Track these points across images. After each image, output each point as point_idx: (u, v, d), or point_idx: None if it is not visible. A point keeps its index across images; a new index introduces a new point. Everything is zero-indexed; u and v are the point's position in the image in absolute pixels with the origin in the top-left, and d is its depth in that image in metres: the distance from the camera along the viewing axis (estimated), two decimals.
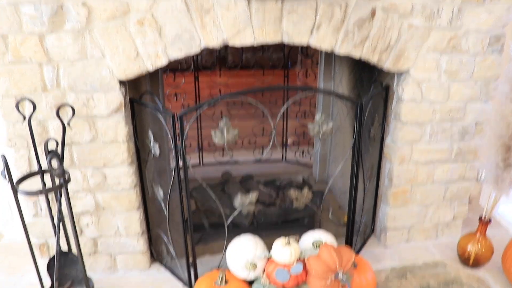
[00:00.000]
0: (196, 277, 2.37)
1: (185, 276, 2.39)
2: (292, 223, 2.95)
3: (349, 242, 2.48)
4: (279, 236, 2.92)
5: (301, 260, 2.12)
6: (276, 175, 3.24)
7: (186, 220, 2.23)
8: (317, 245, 2.20)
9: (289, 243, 2.10)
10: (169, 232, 2.37)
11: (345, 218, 2.92)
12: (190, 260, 2.33)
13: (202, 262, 2.58)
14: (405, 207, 2.65)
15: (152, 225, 2.57)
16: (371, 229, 2.85)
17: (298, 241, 2.14)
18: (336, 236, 2.46)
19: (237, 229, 2.87)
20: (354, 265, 2.25)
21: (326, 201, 3.24)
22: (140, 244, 2.48)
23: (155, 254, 2.62)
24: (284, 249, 2.07)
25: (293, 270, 2.05)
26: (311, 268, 2.04)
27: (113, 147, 2.25)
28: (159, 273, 2.54)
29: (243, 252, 2.14)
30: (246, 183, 2.95)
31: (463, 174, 2.63)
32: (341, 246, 2.14)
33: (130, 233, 2.44)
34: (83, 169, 2.27)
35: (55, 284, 2.16)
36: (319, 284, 2.04)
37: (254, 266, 2.14)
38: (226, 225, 2.28)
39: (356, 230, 2.55)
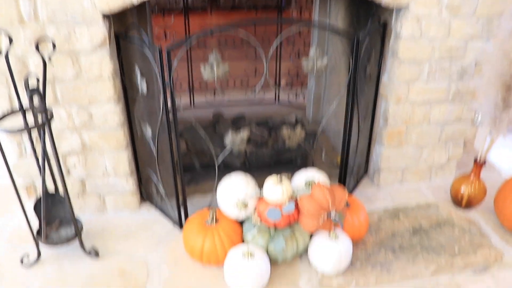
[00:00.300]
0: (186, 217, 2.34)
1: (175, 216, 2.36)
2: (284, 163, 2.90)
3: (342, 182, 2.44)
4: (271, 174, 2.91)
5: (293, 199, 2.08)
6: (268, 116, 3.16)
7: (176, 161, 2.17)
8: (309, 184, 2.15)
9: (281, 181, 2.04)
10: (158, 173, 2.32)
11: (338, 159, 2.87)
12: (180, 199, 2.29)
13: (193, 202, 2.55)
14: (400, 148, 2.60)
15: (141, 165, 2.50)
16: (364, 170, 2.81)
17: (290, 179, 2.08)
18: (329, 177, 2.42)
19: (228, 169, 2.82)
20: (347, 205, 2.21)
21: (319, 142, 3.19)
22: (129, 184, 2.42)
23: (145, 195, 2.58)
24: (276, 188, 2.02)
25: (285, 209, 2.01)
26: (303, 207, 2.01)
27: (98, 84, 2.14)
28: (150, 213, 2.51)
29: (234, 190, 2.09)
30: (237, 124, 2.87)
31: (459, 115, 2.56)
32: (334, 185, 2.10)
33: (119, 173, 2.38)
34: (67, 107, 2.17)
35: (43, 224, 2.12)
36: (311, 223, 2.02)
37: (245, 205, 2.10)
38: (216, 165, 2.22)
39: (350, 170, 2.50)
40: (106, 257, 2.22)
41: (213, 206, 2.31)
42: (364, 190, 2.70)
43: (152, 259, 2.21)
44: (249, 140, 2.85)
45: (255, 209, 2.13)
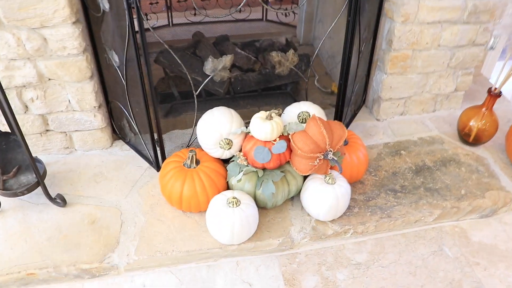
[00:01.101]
0: (163, 156, 2.03)
1: (151, 155, 2.06)
2: (273, 91, 2.56)
3: (339, 114, 2.12)
4: (259, 106, 2.57)
5: (284, 136, 1.78)
6: (255, 36, 2.76)
7: (147, 91, 1.82)
8: (303, 118, 1.84)
9: (270, 117, 1.73)
10: (129, 106, 1.97)
11: (333, 86, 2.55)
12: (156, 136, 1.97)
13: (172, 138, 2.23)
14: (404, 75, 2.26)
15: (112, 98, 2.15)
16: (362, 99, 2.48)
17: (280, 115, 1.76)
18: (322, 105, 2.10)
19: (211, 98, 2.49)
20: (345, 143, 1.92)
21: (312, 67, 2.83)
22: (97, 119, 2.08)
23: (118, 131, 2.25)
24: (265, 124, 1.71)
25: (274, 149, 1.70)
26: (295, 146, 1.70)
27: (50, 1, 1.73)
28: (122, 151, 2.19)
29: (215, 126, 1.76)
30: (220, 46, 2.48)
31: (473, 38, 2.20)
32: (332, 121, 1.79)
33: (85, 107, 2.03)
34: (15, 30, 1.76)
35: None
36: (305, 165, 1.72)
37: (229, 143, 1.79)
38: (195, 94, 1.88)
39: (347, 100, 2.18)
40: (74, 204, 1.92)
41: (194, 145, 2.00)
42: (362, 122, 2.39)
43: (126, 205, 1.92)
44: (233, 65, 2.50)
45: (240, 148, 1.83)
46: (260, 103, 2.61)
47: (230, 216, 1.65)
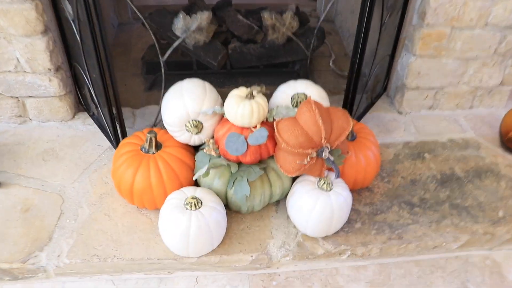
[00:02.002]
0: (124, 135, 1.61)
1: (111, 132, 1.64)
2: (278, 68, 2.11)
3: (349, 100, 1.65)
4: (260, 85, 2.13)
5: (269, 123, 1.34)
6: (264, 4, 2.29)
7: (102, 54, 1.39)
8: (297, 102, 1.38)
9: (251, 95, 1.29)
10: (86, 69, 1.56)
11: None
12: (114, 111, 1.55)
13: (145, 115, 1.81)
14: (437, 59, 1.74)
15: (74, 59, 1.74)
16: (383, 86, 1.98)
17: (265, 94, 1.30)
18: (336, 91, 1.64)
19: (203, 72, 2.05)
20: (352, 137, 1.46)
21: (329, 45, 2.35)
22: (53, 85, 1.67)
23: (83, 101, 1.84)
24: (243, 104, 1.26)
25: (251, 138, 1.25)
26: (280, 138, 1.24)
27: None
28: (84, 126, 1.78)
29: (182, 103, 1.33)
30: (220, 11, 2.03)
31: None
32: (334, 107, 1.33)
33: (37, 69, 1.62)
34: None
35: None
36: (291, 163, 1.27)
37: (198, 125, 1.36)
38: (162, 61, 1.44)
39: (362, 85, 1.69)
40: (11, 186, 1.53)
41: (161, 126, 1.58)
42: (380, 114, 1.90)
43: (71, 192, 1.51)
44: (232, 35, 2.05)
45: (213, 133, 1.40)
46: (262, 81, 2.15)
47: (184, 221, 1.21)
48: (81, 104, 1.84)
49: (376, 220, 1.47)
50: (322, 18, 1.69)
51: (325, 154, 1.21)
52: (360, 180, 1.46)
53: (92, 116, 1.79)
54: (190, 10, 2.02)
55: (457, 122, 1.88)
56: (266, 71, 2.12)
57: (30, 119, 1.78)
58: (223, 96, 1.36)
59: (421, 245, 1.42)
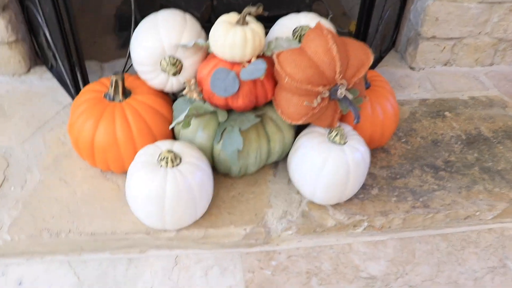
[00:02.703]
0: (86, 84, 1.30)
1: (71, 82, 1.32)
2: (271, 23, 1.81)
3: None
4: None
5: (266, 58, 1.04)
6: None
7: None
8: (301, 35, 1.09)
9: (243, 20, 0.99)
10: (39, 5, 1.24)
11: (352, 25, 1.78)
12: (74, 58, 1.23)
13: (115, 68, 1.50)
14: (458, 2, 1.45)
15: None
16: (392, 39, 1.68)
17: (261, 13, 0.98)
18: None
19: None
20: (365, 84, 1.17)
21: (326, 3, 2.06)
22: (1, 30, 1.36)
23: (40, 52, 1.52)
24: (233, 32, 0.97)
25: (244, 73, 0.94)
26: (282, 71, 0.93)
27: None
28: (42, 81, 1.44)
29: (157, 33, 1.03)
30: None
31: None
32: (348, 38, 1.04)
33: None
34: None
35: None
36: (296, 105, 0.96)
37: (176, 63, 1.04)
38: (133, 4, 1.14)
39: (370, 36, 1.41)
40: None
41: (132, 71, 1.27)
42: (389, 70, 1.60)
43: (20, 155, 1.19)
44: None
45: (195, 74, 1.09)
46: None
47: (159, 181, 0.91)
48: (37, 55, 1.51)
49: (396, 185, 1.18)
50: None
51: (341, 91, 0.91)
52: (376, 136, 1.18)
53: (50, 69, 1.46)
54: None
55: (477, 79, 1.60)
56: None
57: None
58: None
59: (451, 214, 1.14)
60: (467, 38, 1.56)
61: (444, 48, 1.57)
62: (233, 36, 0.94)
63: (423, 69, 1.61)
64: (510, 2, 1.47)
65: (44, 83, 1.44)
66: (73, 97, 1.35)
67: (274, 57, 0.94)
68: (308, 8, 1.71)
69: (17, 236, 1.01)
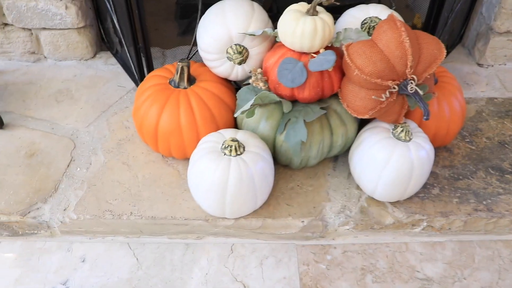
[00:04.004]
0: (150, 71, 1.32)
1: (136, 69, 1.35)
2: (337, 14, 1.77)
3: None
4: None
5: (334, 48, 1.02)
6: None
7: None
8: (370, 27, 1.06)
9: (314, 10, 0.97)
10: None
11: (416, 18, 1.72)
12: (140, 43, 1.25)
13: (177, 55, 1.49)
14: None
15: None
16: (459, 35, 1.61)
17: (332, 2, 0.96)
18: None
19: None
20: (434, 80, 1.13)
21: None
22: (70, 14, 1.39)
23: (106, 38, 1.56)
24: (303, 21, 0.95)
25: (313, 64, 0.93)
26: (352, 64, 0.91)
27: None
28: (106, 65, 1.49)
29: (223, 21, 1.01)
30: None
31: None
32: (421, 32, 1.00)
33: None
34: None
35: None
36: (363, 99, 0.93)
37: (242, 52, 1.04)
38: None
39: (438, 30, 1.35)
40: (17, 127, 1.26)
41: (195, 59, 1.28)
42: (456, 66, 1.53)
43: (85, 137, 1.23)
44: None
45: (262, 64, 1.09)
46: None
47: (222, 169, 0.92)
48: (103, 41, 1.56)
49: (458, 186, 1.13)
50: None
51: (412, 87, 0.88)
52: (441, 134, 1.13)
53: (115, 54, 1.50)
54: None
55: None
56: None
57: (45, 57, 1.51)
58: None
59: None
60: None
61: None
62: (302, 25, 0.92)
63: (492, 66, 1.53)
64: None
65: (109, 68, 1.48)
66: (136, 83, 1.38)
67: (344, 48, 0.92)
68: (376, 0, 1.66)
69: (82, 216, 1.05)
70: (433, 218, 1.07)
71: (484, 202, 1.11)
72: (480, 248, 1.11)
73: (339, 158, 1.17)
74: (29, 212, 1.06)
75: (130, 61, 1.36)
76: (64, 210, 1.06)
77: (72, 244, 1.09)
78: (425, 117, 0.90)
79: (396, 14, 1.09)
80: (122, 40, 1.35)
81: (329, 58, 0.90)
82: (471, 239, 1.12)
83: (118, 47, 1.45)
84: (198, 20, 1.19)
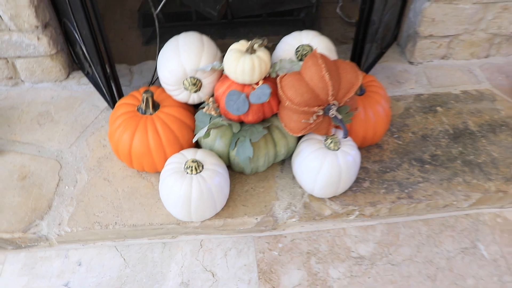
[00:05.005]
0: (120, 94, 1.53)
1: (107, 92, 1.56)
2: (282, 17, 2.00)
3: (358, 51, 1.55)
4: (263, 35, 2.04)
5: (271, 79, 1.26)
6: None
7: (96, 5, 1.29)
8: (302, 55, 1.30)
9: (252, 49, 1.20)
10: (75, 24, 1.46)
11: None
12: (108, 69, 1.47)
13: (143, 71, 1.74)
14: (453, 5, 1.61)
15: (63, 14, 1.64)
16: (394, 34, 1.87)
17: (265, 45, 1.20)
18: (343, 39, 1.53)
19: (203, 23, 1.96)
20: (360, 91, 1.38)
21: None
22: (42, 44, 1.59)
23: (76, 59, 1.76)
24: (243, 59, 1.18)
25: (252, 97, 1.18)
26: (284, 95, 1.16)
27: None
28: (80, 86, 1.70)
29: (178, 59, 1.24)
30: None
31: None
32: (341, 60, 1.24)
33: (23, 27, 1.52)
34: None
35: None
36: (296, 122, 1.19)
37: (196, 83, 1.28)
38: (155, 13, 1.35)
39: (372, 33, 1.59)
40: (6, 152, 1.48)
41: (158, 84, 1.50)
42: (390, 65, 1.81)
43: (69, 157, 1.46)
44: None
45: (213, 91, 1.32)
46: (266, 31, 2.05)
47: (185, 186, 1.17)
48: (75, 62, 1.76)
49: (385, 178, 1.42)
50: None
51: (332, 112, 1.14)
52: (369, 137, 1.40)
53: (87, 75, 1.71)
54: None
55: (471, 72, 1.78)
56: (269, 20, 2.01)
57: (22, 81, 1.71)
58: (225, 48, 1.28)
59: (431, 204, 1.37)
60: (463, 35, 1.73)
61: (441, 44, 1.74)
62: (242, 64, 1.16)
63: (421, 63, 1.79)
64: (503, 1, 1.63)
65: (82, 88, 1.69)
66: (108, 102, 1.60)
67: (278, 81, 1.16)
68: None
69: (75, 229, 1.30)
70: (364, 208, 1.35)
71: (406, 191, 1.39)
72: (404, 227, 1.40)
73: (285, 161, 1.44)
74: (29, 229, 1.30)
75: (100, 83, 1.57)
76: (59, 224, 1.31)
77: (68, 251, 1.35)
78: (343, 136, 1.16)
79: (325, 40, 1.32)
80: (92, 65, 1.55)
81: (266, 91, 1.14)
82: (397, 221, 1.42)
83: (89, 69, 1.66)
84: (157, 48, 1.41)
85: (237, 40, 1.24)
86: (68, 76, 1.73)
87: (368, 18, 1.47)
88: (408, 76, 1.75)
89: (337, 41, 1.97)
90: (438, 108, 1.63)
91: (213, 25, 1.99)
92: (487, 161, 1.47)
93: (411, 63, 1.80)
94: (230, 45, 1.23)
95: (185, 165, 1.20)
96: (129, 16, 2.15)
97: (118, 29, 2.06)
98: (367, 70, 1.70)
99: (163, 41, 1.39)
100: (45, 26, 1.56)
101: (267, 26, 1.99)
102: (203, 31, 1.46)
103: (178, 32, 1.35)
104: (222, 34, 2.00)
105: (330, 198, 1.35)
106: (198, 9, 1.88)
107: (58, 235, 1.30)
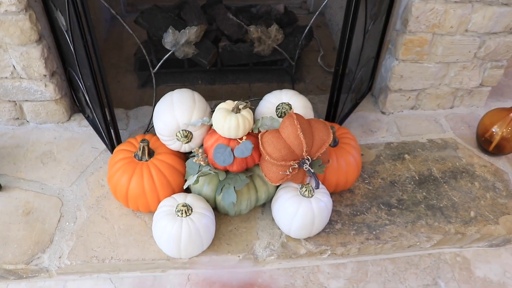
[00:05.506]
0: (118, 138, 1.71)
1: (106, 135, 1.74)
2: (268, 66, 2.21)
3: (334, 102, 1.74)
4: (250, 82, 2.21)
5: (253, 135, 1.44)
6: (254, 1, 2.36)
7: (92, 56, 1.47)
8: (282, 112, 1.48)
9: (237, 109, 1.39)
10: (80, 75, 1.64)
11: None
12: (108, 117, 1.65)
13: (139, 116, 1.91)
14: (419, 63, 1.84)
15: (68, 64, 1.82)
16: (368, 86, 2.09)
17: (252, 109, 1.40)
18: (323, 87, 1.72)
19: (194, 70, 2.15)
20: (334, 143, 1.57)
21: (318, 40, 2.43)
22: (49, 90, 1.76)
23: (78, 103, 1.93)
24: (229, 118, 1.37)
25: (237, 151, 1.37)
26: (264, 151, 1.35)
27: None
28: (80, 127, 1.88)
29: (172, 114, 1.43)
30: (210, 9, 2.10)
31: (511, 24, 1.77)
32: (315, 120, 1.43)
33: (33, 75, 1.70)
34: None
35: None
36: (275, 173, 1.38)
37: (188, 135, 1.46)
38: (152, 72, 1.54)
39: (348, 85, 1.79)
40: (12, 189, 1.64)
41: (153, 131, 1.68)
42: (364, 114, 2.01)
43: (70, 195, 1.63)
44: (222, 34, 2.13)
45: (202, 142, 1.50)
46: (252, 78, 2.26)
47: (176, 227, 1.34)
48: (76, 106, 1.94)
49: (356, 221, 1.60)
50: (311, 22, 1.76)
51: (306, 166, 1.32)
52: (341, 183, 1.59)
53: (87, 118, 1.89)
54: (181, 9, 2.10)
55: (437, 121, 1.99)
56: (255, 69, 2.21)
57: (28, 121, 1.88)
58: (214, 93, 1.45)
59: (396, 244, 1.55)
60: (429, 89, 1.94)
61: (410, 97, 1.95)
62: (229, 122, 1.35)
63: (392, 113, 2.00)
64: (462, 62, 1.85)
65: (82, 130, 1.86)
66: (106, 144, 1.77)
67: (259, 137, 1.35)
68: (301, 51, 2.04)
69: (74, 262, 1.45)
70: (335, 248, 1.52)
71: (374, 232, 1.57)
72: (372, 265, 1.58)
73: (266, 204, 1.61)
74: (31, 261, 1.45)
75: (100, 127, 1.74)
76: (60, 257, 1.46)
77: (66, 282, 1.49)
78: (315, 187, 1.35)
79: (302, 99, 1.52)
80: (93, 111, 1.73)
81: (248, 147, 1.33)
82: (366, 259, 1.59)
83: (90, 113, 1.83)
84: (154, 101, 1.59)
85: (226, 85, 1.42)
86: (69, 118, 1.90)
87: (342, 77, 1.67)
88: (380, 125, 1.95)
89: (318, 89, 2.18)
90: (406, 156, 1.82)
91: (204, 71, 2.18)
92: (448, 205, 1.66)
93: (383, 113, 2.01)
94: (219, 90, 1.42)
95: (176, 208, 1.37)
96: (125, 59, 2.33)
97: (115, 72, 2.24)
98: (342, 120, 1.90)
99: (162, 84, 1.54)
100: (52, 74, 1.74)
101: (253, 73, 2.19)
102: (195, 76, 1.63)
103: (172, 79, 1.53)
104: (212, 80, 2.19)
105: (305, 239, 1.53)
106: (191, 57, 2.07)
107: (58, 267, 1.46)
